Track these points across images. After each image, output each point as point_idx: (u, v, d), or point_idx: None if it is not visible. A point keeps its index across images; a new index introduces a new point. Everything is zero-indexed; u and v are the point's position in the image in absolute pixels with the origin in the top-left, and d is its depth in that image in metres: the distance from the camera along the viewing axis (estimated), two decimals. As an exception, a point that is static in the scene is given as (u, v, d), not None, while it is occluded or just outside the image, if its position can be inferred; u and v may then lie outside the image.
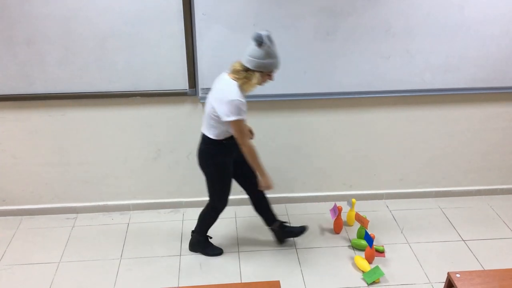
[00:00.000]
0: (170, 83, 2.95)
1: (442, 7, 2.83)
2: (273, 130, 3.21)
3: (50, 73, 2.84)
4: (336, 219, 3.14)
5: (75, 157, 3.18)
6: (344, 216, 3.35)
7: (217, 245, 3.04)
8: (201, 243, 2.99)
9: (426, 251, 3.01)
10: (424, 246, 3.06)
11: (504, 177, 3.56)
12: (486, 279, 1.96)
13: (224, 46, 2.84)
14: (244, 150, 2.52)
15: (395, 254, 2.99)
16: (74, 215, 3.36)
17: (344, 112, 3.19)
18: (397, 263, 2.91)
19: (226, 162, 2.64)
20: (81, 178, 3.27)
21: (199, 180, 3.35)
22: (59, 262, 2.92)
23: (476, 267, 2.87)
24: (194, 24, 2.77)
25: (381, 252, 2.98)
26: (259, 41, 2.28)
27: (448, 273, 1.99)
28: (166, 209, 3.43)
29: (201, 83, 2.95)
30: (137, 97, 2.99)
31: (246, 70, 2.37)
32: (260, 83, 2.43)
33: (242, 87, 2.41)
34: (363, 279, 2.77)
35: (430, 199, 3.56)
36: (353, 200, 3.19)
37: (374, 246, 2.96)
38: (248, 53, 2.34)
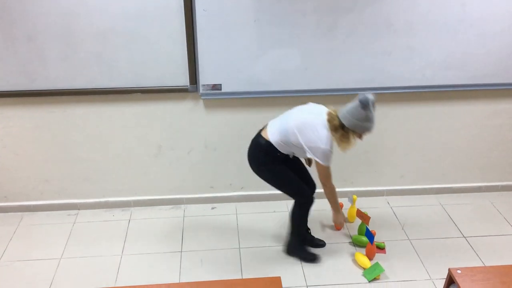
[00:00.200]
0: (171, 79, 2.94)
1: (443, 3, 2.82)
2: (274, 126, 3.20)
3: (51, 69, 2.84)
4: (337, 216, 3.14)
5: (76, 154, 3.18)
6: (345, 213, 3.34)
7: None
8: (297, 247, 2.91)
9: (427, 247, 3.01)
10: (425, 242, 3.06)
11: (505, 174, 3.55)
12: (487, 275, 1.96)
13: (225, 42, 2.84)
14: (326, 190, 2.67)
15: (396, 250, 2.99)
16: (75, 212, 3.37)
17: (345, 109, 3.18)
18: (398, 260, 2.91)
19: (275, 165, 2.65)
20: (82, 175, 3.27)
21: (200, 176, 3.37)
22: (60, 258, 2.92)
23: (477, 263, 2.87)
24: (195, 20, 2.76)
25: (382, 248, 2.98)
26: (365, 105, 2.33)
27: (449, 269, 1.99)
28: (167, 206, 3.43)
29: (202, 79, 2.94)
30: (138, 93, 2.98)
31: (343, 127, 2.42)
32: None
33: (337, 143, 2.47)
34: (364, 276, 2.77)
35: (431, 195, 3.56)
36: (354, 196, 3.19)
37: (375, 243, 2.96)
38: (349, 112, 2.38)
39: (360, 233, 3.10)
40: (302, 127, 2.47)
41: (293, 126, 2.49)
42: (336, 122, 2.43)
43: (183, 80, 2.95)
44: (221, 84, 2.97)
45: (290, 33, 2.84)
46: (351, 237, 3.12)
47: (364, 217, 3.01)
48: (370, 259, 2.89)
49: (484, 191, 3.59)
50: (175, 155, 3.26)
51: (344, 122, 2.41)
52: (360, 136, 2.48)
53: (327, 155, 2.46)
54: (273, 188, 2.76)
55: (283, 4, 2.75)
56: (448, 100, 3.21)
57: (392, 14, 2.83)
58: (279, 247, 3.02)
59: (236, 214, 3.35)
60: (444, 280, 2.08)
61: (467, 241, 3.08)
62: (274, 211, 3.35)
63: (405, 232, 3.16)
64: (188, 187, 3.40)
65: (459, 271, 1.97)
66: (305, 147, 2.48)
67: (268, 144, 2.57)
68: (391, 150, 3.38)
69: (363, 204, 3.43)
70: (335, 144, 2.48)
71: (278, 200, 3.42)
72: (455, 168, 3.50)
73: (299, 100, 3.12)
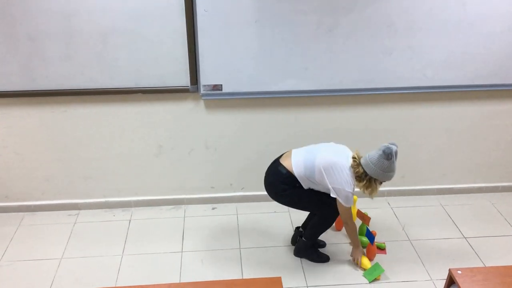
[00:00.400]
0: (172, 79, 2.94)
1: (444, 3, 2.82)
2: (273, 126, 3.20)
3: (51, 69, 2.84)
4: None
5: (77, 154, 3.18)
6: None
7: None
8: (308, 249, 2.91)
9: (427, 248, 3.01)
10: (426, 243, 3.06)
11: (506, 175, 3.55)
12: (488, 276, 1.96)
13: (226, 42, 2.84)
14: (347, 228, 2.75)
15: (396, 251, 2.99)
16: (76, 212, 3.37)
17: (345, 109, 3.18)
18: (398, 260, 2.91)
19: (295, 189, 2.66)
20: (83, 175, 3.27)
21: (201, 176, 3.37)
22: (61, 258, 2.93)
23: (477, 264, 2.87)
24: (196, 20, 2.77)
25: (382, 249, 2.98)
26: (389, 156, 2.41)
27: (449, 270, 1.99)
28: (168, 206, 3.43)
29: (203, 80, 2.94)
30: (139, 93, 2.98)
31: (366, 175, 2.50)
32: None
33: (361, 190, 2.55)
34: (364, 276, 2.77)
35: (431, 196, 3.56)
36: (355, 197, 3.18)
37: (375, 243, 2.96)
38: (373, 162, 2.46)
39: (360, 233, 3.09)
40: (329, 168, 2.53)
41: (320, 165, 2.54)
42: (360, 170, 2.51)
43: (184, 80, 2.95)
44: (222, 85, 2.97)
45: (291, 33, 2.84)
46: (351, 237, 3.12)
47: (364, 217, 3.01)
48: (371, 259, 2.89)
49: (484, 192, 3.59)
50: (175, 155, 3.26)
51: (367, 171, 2.49)
52: (380, 183, 2.56)
53: (349, 197, 2.55)
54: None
55: (284, 4, 2.75)
56: (449, 101, 3.21)
57: (392, 14, 2.83)
58: (280, 247, 3.02)
59: (237, 214, 3.35)
60: (445, 280, 2.08)
61: (468, 241, 3.07)
62: (275, 212, 3.35)
63: (405, 233, 3.16)
64: (188, 187, 3.40)
65: (459, 272, 1.97)
66: (329, 186, 2.54)
67: (290, 175, 2.61)
68: (391, 151, 3.37)
69: (363, 204, 3.42)
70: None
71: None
72: (456, 168, 3.49)
73: (298, 100, 3.13)
